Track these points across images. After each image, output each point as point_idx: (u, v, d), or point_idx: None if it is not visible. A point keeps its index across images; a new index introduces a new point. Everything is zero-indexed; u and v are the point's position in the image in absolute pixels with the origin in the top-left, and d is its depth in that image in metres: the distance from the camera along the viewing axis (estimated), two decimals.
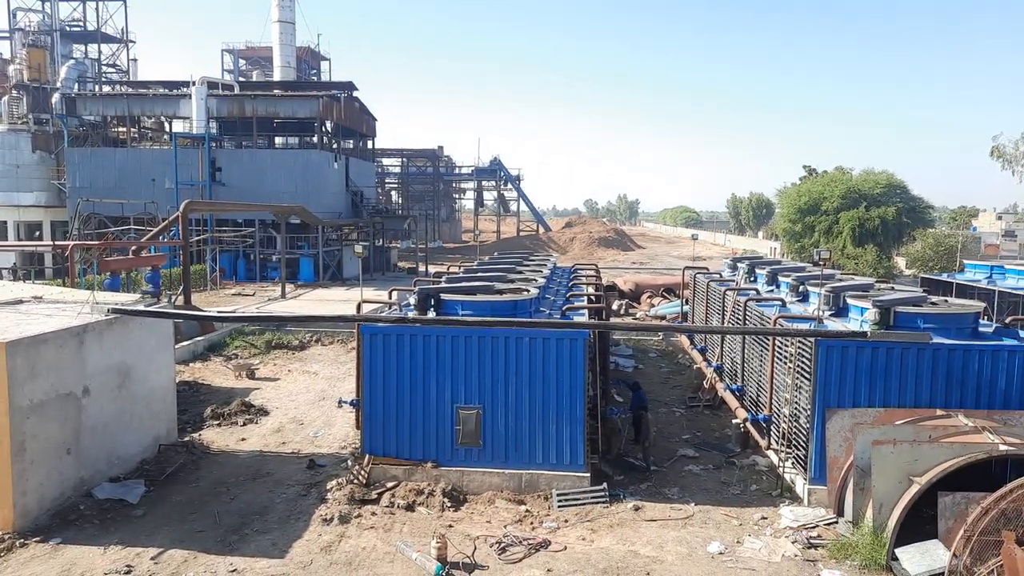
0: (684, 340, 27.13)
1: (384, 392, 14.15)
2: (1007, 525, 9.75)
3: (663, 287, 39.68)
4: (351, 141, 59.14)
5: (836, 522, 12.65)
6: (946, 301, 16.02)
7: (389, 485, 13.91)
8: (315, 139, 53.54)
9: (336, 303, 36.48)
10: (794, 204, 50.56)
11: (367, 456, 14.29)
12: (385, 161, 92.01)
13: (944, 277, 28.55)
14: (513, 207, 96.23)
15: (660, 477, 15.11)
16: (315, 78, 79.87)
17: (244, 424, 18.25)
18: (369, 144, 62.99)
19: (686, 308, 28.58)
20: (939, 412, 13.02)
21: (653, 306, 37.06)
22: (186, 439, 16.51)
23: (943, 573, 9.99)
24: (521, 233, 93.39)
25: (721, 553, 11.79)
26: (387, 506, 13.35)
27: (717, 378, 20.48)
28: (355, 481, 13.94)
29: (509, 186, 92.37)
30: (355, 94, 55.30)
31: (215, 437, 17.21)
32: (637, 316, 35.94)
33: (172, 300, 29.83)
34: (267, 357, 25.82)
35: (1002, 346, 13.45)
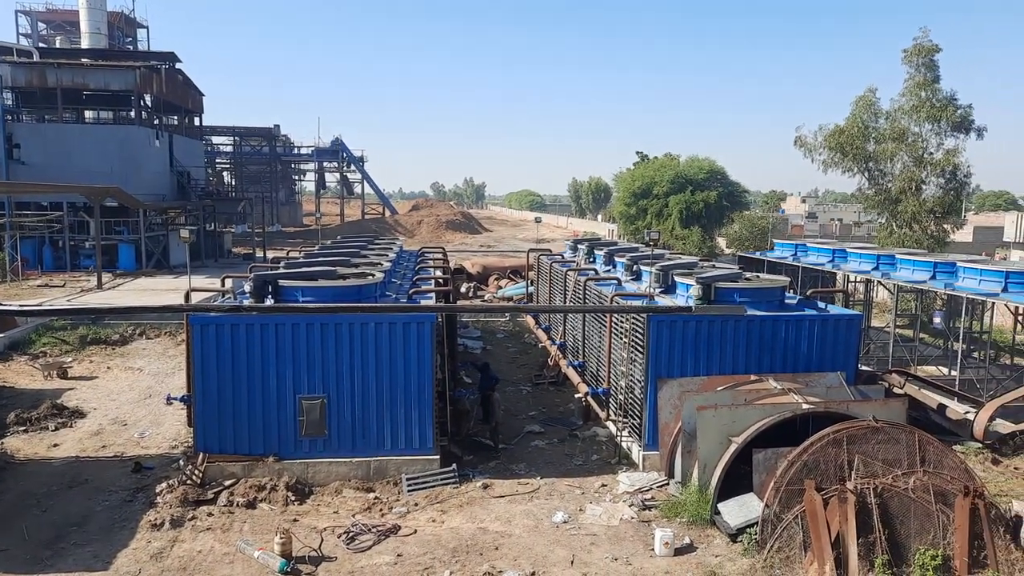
0: (530, 320, 27.93)
1: (219, 386, 13.33)
2: (808, 475, 10.99)
3: (510, 269, 40.54)
4: (175, 117, 54.63)
5: (667, 484, 13.64)
6: (758, 277, 17.68)
7: (227, 483, 13.17)
8: (133, 114, 48.85)
9: (162, 293, 33.76)
10: (629, 188, 53.38)
11: (201, 454, 13.42)
12: (216, 140, 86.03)
13: (757, 255, 31.49)
14: (357, 189, 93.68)
15: (508, 454, 15.50)
16: (131, 47, 72.77)
17: (56, 428, 16.50)
18: (196, 121, 58.52)
19: (531, 289, 29.39)
20: (753, 377, 14.40)
21: (500, 288, 37.79)
22: None
23: (757, 521, 11.09)
24: (366, 216, 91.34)
25: (565, 522, 12.33)
26: (225, 505, 12.64)
27: (561, 355, 21.29)
28: (188, 482, 13.05)
29: (353, 168, 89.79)
30: (178, 66, 51.07)
31: (21, 445, 15.42)
32: (485, 298, 36.46)
33: None
34: (82, 354, 23.42)
35: (804, 315, 15.09)
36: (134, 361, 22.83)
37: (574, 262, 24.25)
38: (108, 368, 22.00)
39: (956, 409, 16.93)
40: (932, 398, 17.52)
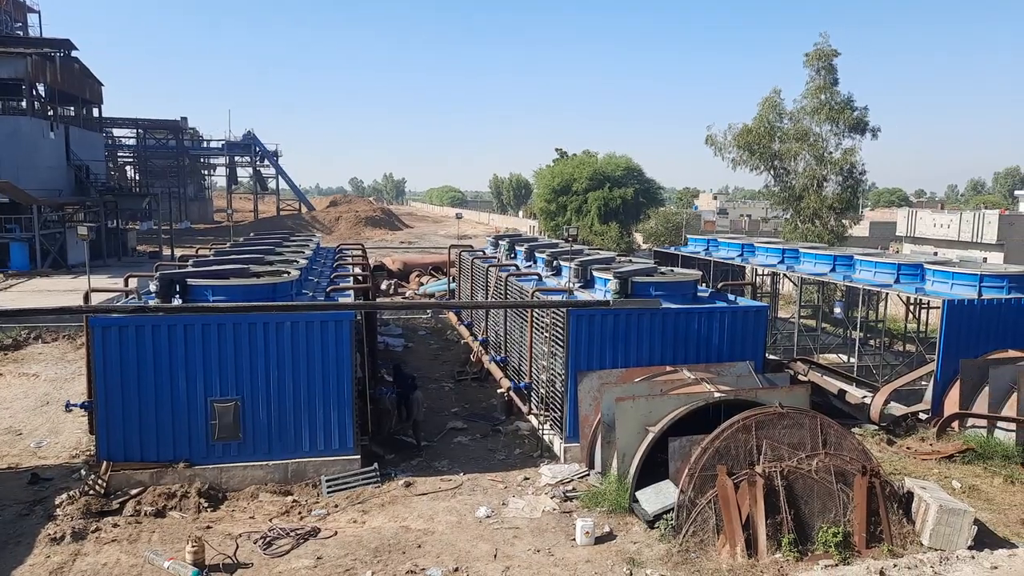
0: (452, 316, 27.85)
1: (123, 391, 12.68)
2: (720, 460, 11.44)
3: (431, 265, 40.28)
4: (72, 108, 51.50)
5: (588, 475, 13.91)
6: (672, 271, 18.21)
7: (134, 492, 12.55)
8: (24, 104, 45.67)
9: (60, 294, 31.80)
10: (548, 185, 54.00)
11: (105, 463, 12.73)
12: (118, 132, 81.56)
13: (672, 250, 32.45)
14: (272, 185, 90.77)
15: (431, 451, 15.43)
16: (21, 33, 68.00)
17: None
18: (96, 112, 55.33)
19: (453, 285, 29.31)
20: (668, 368, 14.85)
21: (422, 284, 37.50)
22: None
23: (674, 507, 11.45)
24: (282, 213, 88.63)
25: (488, 516, 12.38)
26: (132, 515, 12.04)
27: (483, 351, 21.34)
28: (91, 492, 12.36)
29: (266, 163, 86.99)
30: (74, 54, 48.13)
31: None
32: (406, 295, 36.11)
33: None
34: None
35: (715, 308, 15.68)
36: (29, 367, 21.42)
37: (495, 258, 24.34)
38: (0, 375, 20.57)
39: (854, 394, 18.00)
40: (833, 384, 18.56)
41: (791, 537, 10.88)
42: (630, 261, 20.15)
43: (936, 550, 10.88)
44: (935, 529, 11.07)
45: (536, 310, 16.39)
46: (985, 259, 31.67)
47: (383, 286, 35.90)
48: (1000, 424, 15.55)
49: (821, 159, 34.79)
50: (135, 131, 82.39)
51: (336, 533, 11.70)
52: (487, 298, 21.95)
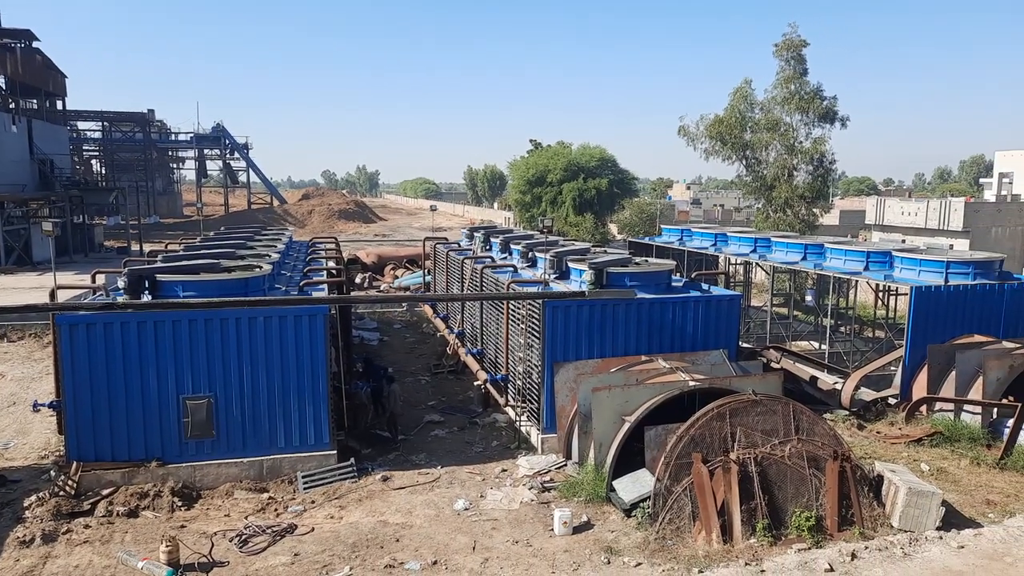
0: (428, 309, 27.75)
1: (92, 390, 12.44)
2: (696, 448, 11.56)
3: (406, 258, 40.01)
4: (35, 101, 50.23)
5: (566, 465, 13.97)
6: (647, 261, 18.33)
7: (105, 492, 12.34)
8: None
9: (25, 291, 31.06)
10: (523, 176, 53.94)
11: (75, 463, 12.50)
12: (82, 126, 79.77)
13: (646, 240, 32.64)
14: (242, 178, 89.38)
15: (408, 445, 15.38)
16: None
17: None
18: (59, 105, 54.03)
19: (428, 278, 29.18)
20: (644, 358, 14.96)
21: (397, 277, 37.27)
22: None
23: (650, 495, 11.56)
24: (253, 206, 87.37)
25: (466, 509, 12.39)
26: (104, 515, 11.85)
27: (459, 344, 21.30)
28: (61, 493, 12.13)
29: (237, 155, 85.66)
30: (36, 45, 46.90)
31: None
32: (381, 288, 35.88)
33: None
34: None
35: (689, 297, 15.80)
36: None
37: (471, 250, 24.27)
38: None
39: (826, 380, 18.29)
40: (805, 371, 18.84)
41: (765, 522, 11.05)
42: (605, 252, 20.20)
43: (906, 531, 11.13)
44: (904, 511, 11.31)
45: (512, 302, 16.38)
46: (951, 246, 32.35)
47: (357, 279, 35.63)
48: (967, 407, 15.92)
49: (792, 149, 35.20)
50: (101, 124, 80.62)
51: (313, 529, 11.63)
52: (463, 290, 21.89)
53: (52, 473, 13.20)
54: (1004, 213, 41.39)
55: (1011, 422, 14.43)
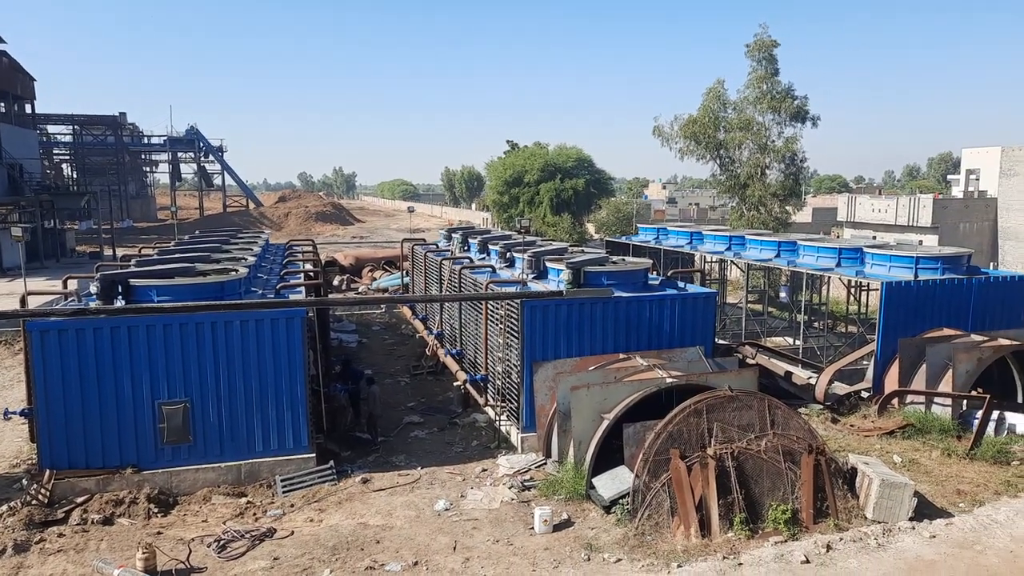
0: (407, 311, 27.67)
1: (65, 397, 12.27)
2: (673, 444, 11.68)
3: (384, 260, 39.85)
4: (2, 104, 49.26)
5: (545, 464, 14.03)
6: (623, 260, 18.46)
7: (79, 500, 12.17)
8: None
9: None
10: (500, 177, 53.95)
11: (47, 471, 12.31)
12: (52, 129, 78.35)
13: (623, 239, 32.83)
14: (217, 181, 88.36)
15: (388, 446, 15.34)
16: None
17: None
18: (28, 108, 53.05)
19: (407, 279, 29.10)
20: (622, 356, 15.07)
21: (375, 279, 37.10)
22: None
23: (629, 492, 11.65)
24: (228, 209, 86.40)
25: (447, 509, 12.40)
26: (79, 524, 11.69)
27: (438, 345, 21.28)
28: (34, 502, 11.95)
29: (211, 158, 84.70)
30: (2, 47, 46.01)
31: None
32: (359, 290, 35.70)
33: None
34: None
35: (666, 295, 15.95)
36: None
37: (449, 251, 24.26)
38: None
39: (800, 375, 18.56)
40: (780, 366, 19.10)
41: (743, 516, 11.19)
42: (582, 251, 20.32)
43: (879, 523, 11.34)
44: (878, 503, 11.52)
45: (491, 302, 16.41)
46: (921, 242, 32.97)
47: (335, 282, 35.43)
48: (937, 400, 16.23)
49: (764, 147, 35.66)
50: (71, 127, 79.25)
51: (292, 533, 11.57)
52: (441, 291, 21.88)
53: (24, 482, 12.99)
54: (971, 209, 42.24)
55: (980, 414, 14.76)
